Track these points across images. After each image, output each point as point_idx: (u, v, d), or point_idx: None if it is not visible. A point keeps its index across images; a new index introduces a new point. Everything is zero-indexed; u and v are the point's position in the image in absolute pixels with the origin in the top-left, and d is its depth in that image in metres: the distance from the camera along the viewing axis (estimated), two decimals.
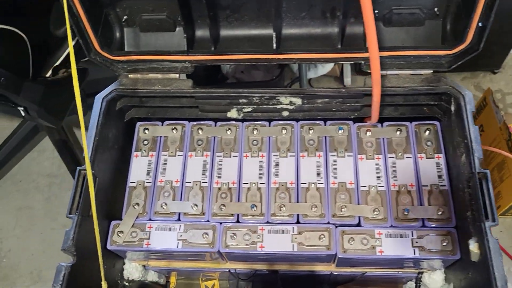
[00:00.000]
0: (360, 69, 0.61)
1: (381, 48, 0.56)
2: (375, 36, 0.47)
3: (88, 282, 0.60)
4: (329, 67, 1.30)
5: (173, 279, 0.83)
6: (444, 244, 0.60)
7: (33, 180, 1.45)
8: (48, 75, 1.06)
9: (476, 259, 0.54)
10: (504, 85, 1.36)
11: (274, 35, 0.61)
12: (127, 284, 0.71)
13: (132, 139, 0.71)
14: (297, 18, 0.64)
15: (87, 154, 0.59)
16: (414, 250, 0.61)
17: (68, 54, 1.08)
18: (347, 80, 1.45)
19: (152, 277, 0.76)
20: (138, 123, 0.72)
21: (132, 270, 0.71)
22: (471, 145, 0.57)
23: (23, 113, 1.06)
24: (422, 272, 0.68)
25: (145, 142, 0.71)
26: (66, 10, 0.56)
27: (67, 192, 1.42)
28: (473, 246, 0.54)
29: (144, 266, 0.74)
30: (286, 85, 1.43)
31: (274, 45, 0.62)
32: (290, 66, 1.24)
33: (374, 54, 0.48)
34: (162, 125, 0.72)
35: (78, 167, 0.61)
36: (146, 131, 0.71)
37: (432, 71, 0.62)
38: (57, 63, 1.08)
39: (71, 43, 0.57)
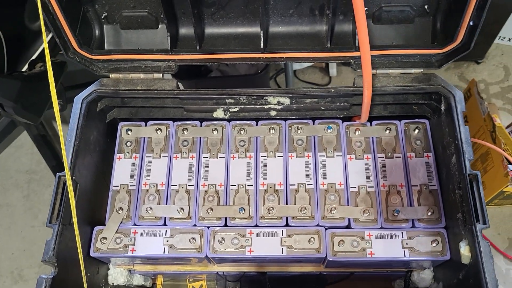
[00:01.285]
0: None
1: (371, 47, 0.55)
2: (367, 37, 0.45)
3: None
4: None
5: (159, 281, 0.82)
6: (434, 245, 0.60)
7: (11, 176, 1.41)
8: (24, 69, 1.02)
9: (467, 261, 0.53)
10: (487, 75, 1.36)
11: (261, 34, 0.59)
12: None
13: (114, 141, 0.69)
14: (284, 16, 0.62)
15: (66, 160, 0.57)
16: (404, 251, 0.60)
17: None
18: (333, 71, 1.44)
19: (137, 280, 0.74)
20: (120, 124, 0.70)
21: (117, 275, 0.69)
22: (462, 146, 0.56)
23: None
24: (411, 271, 0.68)
25: (128, 144, 0.69)
26: (40, 7, 0.53)
27: (47, 189, 1.38)
28: (464, 249, 0.53)
29: (129, 270, 0.72)
30: (272, 76, 1.42)
31: (262, 44, 0.60)
32: None
33: (365, 55, 0.47)
34: (146, 125, 0.70)
35: (58, 173, 0.58)
36: (129, 132, 0.69)
37: (422, 70, 0.61)
38: (34, 57, 1.04)
39: (45, 40, 0.54)
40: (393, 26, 0.61)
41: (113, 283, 0.70)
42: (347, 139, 0.67)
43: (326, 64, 1.41)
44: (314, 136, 0.68)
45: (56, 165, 1.32)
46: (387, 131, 0.67)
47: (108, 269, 0.70)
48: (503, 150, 0.94)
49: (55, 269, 0.54)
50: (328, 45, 0.60)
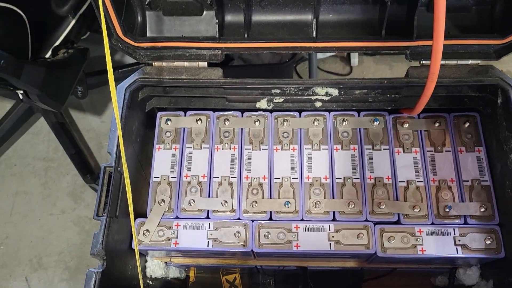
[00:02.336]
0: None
1: (427, 36, 0.52)
2: (443, 26, 0.43)
3: (116, 283, 0.57)
4: None
5: (192, 273, 0.80)
6: (488, 242, 0.58)
7: (28, 164, 1.39)
8: (47, 56, 1.00)
9: None
10: None
11: (314, 22, 0.57)
12: (150, 283, 0.68)
13: (153, 131, 0.67)
14: (336, 3, 0.59)
15: (123, 151, 0.55)
16: (457, 248, 0.59)
17: (68, 33, 1.01)
18: (354, 60, 1.41)
19: (173, 273, 0.73)
20: (159, 114, 0.68)
21: (154, 268, 0.68)
22: None
23: (21, 97, 1.00)
24: (456, 268, 0.66)
25: (168, 134, 0.67)
26: None
27: (65, 177, 1.36)
28: None
29: (166, 262, 0.71)
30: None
31: (314, 33, 0.57)
32: None
33: (438, 45, 0.44)
34: (185, 115, 0.68)
35: (103, 164, 0.56)
36: (169, 122, 0.67)
37: (479, 61, 0.58)
38: (57, 43, 1.01)
39: (104, 25, 0.51)
40: (449, 14, 0.59)
41: (151, 276, 0.68)
42: (394, 132, 0.65)
43: (348, 54, 1.39)
44: (359, 129, 0.66)
45: (75, 153, 1.30)
46: (436, 124, 0.65)
47: (146, 261, 0.68)
48: None
49: (104, 262, 0.53)
50: (383, 33, 0.58)
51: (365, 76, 1.35)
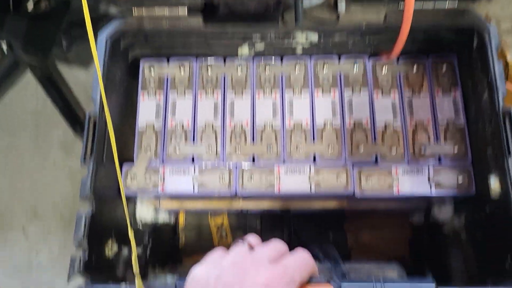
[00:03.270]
0: None
1: None
2: None
3: (106, 227, 0.60)
4: None
5: (181, 218, 0.84)
6: (460, 180, 0.61)
7: (17, 118, 1.40)
8: (29, 8, 0.98)
9: (496, 196, 0.55)
10: (499, 9, 1.33)
11: None
12: (140, 228, 0.71)
13: (137, 80, 0.68)
14: None
15: (104, 97, 0.56)
16: (430, 186, 0.62)
17: None
18: (342, 6, 1.40)
19: (162, 218, 0.76)
20: (143, 61, 0.68)
21: (144, 213, 0.71)
22: (496, 82, 0.56)
23: (6, 51, 0.99)
24: (431, 205, 0.70)
25: (152, 82, 0.67)
26: None
27: (55, 130, 1.37)
28: (494, 183, 0.55)
29: (155, 208, 0.73)
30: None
31: None
32: None
33: None
34: (168, 62, 0.68)
35: (88, 111, 0.58)
36: (152, 70, 0.68)
37: (456, 3, 0.59)
38: None
39: None
40: None
41: (141, 221, 0.71)
42: (374, 76, 0.66)
43: (334, 1, 1.37)
44: (340, 73, 0.67)
45: (63, 106, 1.30)
46: (415, 68, 0.66)
47: (136, 206, 0.71)
48: None
49: (93, 206, 0.55)
50: None
51: None
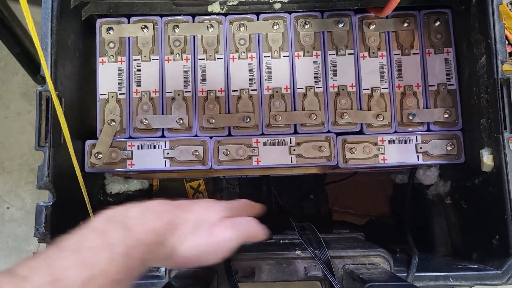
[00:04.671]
0: None
1: None
2: None
3: (72, 211, 0.55)
4: None
5: (155, 182, 0.80)
6: (449, 148, 0.58)
7: None
8: None
9: (488, 170, 0.52)
10: None
11: None
12: (111, 199, 0.66)
13: (94, 42, 0.60)
14: None
15: (47, 72, 0.49)
16: (418, 156, 0.58)
17: None
18: None
19: (134, 186, 0.71)
20: (99, 21, 0.60)
21: (113, 184, 0.66)
22: (495, 46, 0.50)
23: None
24: (416, 168, 0.67)
25: (111, 45, 0.60)
26: None
27: (14, 77, 1.28)
28: (487, 158, 0.51)
29: (126, 177, 0.69)
30: None
31: None
32: None
33: None
34: (129, 22, 0.60)
35: (38, 89, 0.50)
36: (110, 31, 0.59)
37: None
38: None
39: None
40: None
41: (110, 192, 0.67)
42: (360, 34, 0.60)
43: None
44: (323, 32, 0.60)
45: (20, 52, 1.19)
46: (405, 24, 0.59)
47: (104, 178, 0.66)
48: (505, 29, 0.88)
49: (54, 195, 0.50)
50: None
51: None
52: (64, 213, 0.52)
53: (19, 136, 1.26)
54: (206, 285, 0.43)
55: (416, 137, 0.58)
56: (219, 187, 0.80)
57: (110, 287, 0.31)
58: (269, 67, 0.60)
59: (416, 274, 0.47)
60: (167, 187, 0.81)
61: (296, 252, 0.48)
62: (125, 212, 0.36)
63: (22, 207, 1.25)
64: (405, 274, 0.47)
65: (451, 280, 0.46)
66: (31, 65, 1.20)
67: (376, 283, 0.36)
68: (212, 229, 0.39)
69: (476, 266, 0.50)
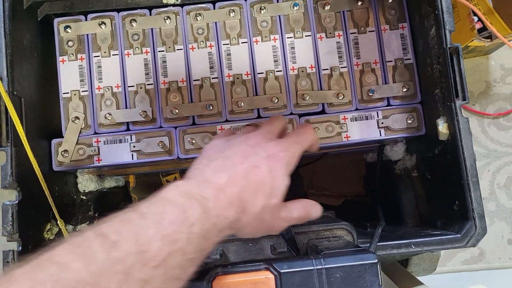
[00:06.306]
0: None
1: None
2: None
3: (41, 210, 0.56)
4: None
5: (132, 179, 0.80)
6: (410, 121, 0.59)
7: None
8: None
9: (444, 138, 0.53)
10: None
11: None
12: (84, 198, 0.67)
13: (52, 41, 0.60)
14: None
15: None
16: (380, 131, 0.59)
17: None
18: None
19: (109, 183, 0.72)
20: (56, 20, 0.60)
21: (86, 182, 0.67)
22: (443, 17, 0.51)
23: None
24: (384, 145, 0.68)
25: (70, 43, 0.60)
26: None
27: None
28: (442, 127, 0.52)
29: (99, 175, 0.69)
30: None
31: None
32: None
33: None
34: (86, 19, 0.60)
35: None
36: (68, 30, 0.60)
37: None
38: None
39: None
40: None
41: (84, 191, 0.67)
42: (316, 15, 0.61)
43: None
44: (279, 16, 0.61)
45: None
46: (359, 3, 0.60)
47: (76, 177, 0.67)
48: (469, 2, 0.89)
49: (19, 193, 0.51)
50: None
51: None
52: (32, 212, 0.53)
53: None
54: None
55: (377, 112, 0.59)
56: None
57: (185, 264, 0.33)
58: (229, 54, 0.60)
59: (379, 243, 0.48)
60: (144, 183, 0.81)
61: None
62: (200, 192, 0.36)
63: None
64: (368, 245, 0.48)
65: (413, 247, 0.47)
66: None
67: (330, 251, 0.37)
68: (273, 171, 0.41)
69: (438, 232, 0.51)
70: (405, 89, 0.59)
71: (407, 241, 0.48)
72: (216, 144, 0.44)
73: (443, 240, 0.48)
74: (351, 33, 0.61)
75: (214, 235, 0.36)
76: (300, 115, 0.59)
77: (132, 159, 0.59)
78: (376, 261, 0.35)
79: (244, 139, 0.43)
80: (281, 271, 0.34)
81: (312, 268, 0.34)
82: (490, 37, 0.91)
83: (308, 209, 0.44)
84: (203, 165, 0.40)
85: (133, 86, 0.60)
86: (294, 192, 0.81)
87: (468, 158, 0.50)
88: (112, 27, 0.60)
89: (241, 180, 0.39)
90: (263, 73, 0.60)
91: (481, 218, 0.48)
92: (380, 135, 0.59)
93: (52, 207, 0.51)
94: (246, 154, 0.40)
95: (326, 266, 0.34)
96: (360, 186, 0.81)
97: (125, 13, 0.60)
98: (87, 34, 0.60)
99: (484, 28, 0.90)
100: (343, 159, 0.81)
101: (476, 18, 0.92)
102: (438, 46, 0.53)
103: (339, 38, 0.61)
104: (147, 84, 0.60)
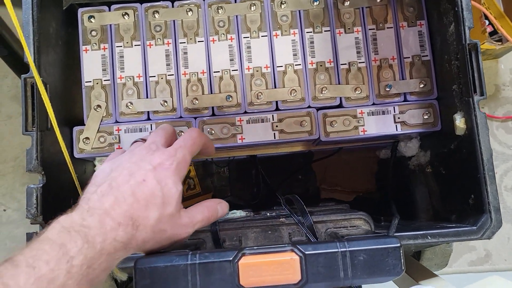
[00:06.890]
0: None
1: None
2: None
3: (62, 195, 0.57)
4: None
5: None
6: (426, 117, 0.60)
7: None
8: None
9: (461, 133, 0.53)
10: None
11: None
12: None
13: (76, 31, 0.61)
14: None
15: (30, 58, 0.50)
16: (396, 126, 0.60)
17: None
18: None
19: None
20: (80, 10, 0.61)
21: None
22: (462, 14, 0.52)
23: None
24: (398, 141, 0.69)
25: (93, 33, 0.61)
26: None
27: (4, 80, 1.28)
28: (460, 121, 0.53)
29: None
30: None
31: None
32: None
33: None
34: (110, 10, 0.62)
35: (23, 76, 0.52)
36: (92, 20, 0.61)
37: None
38: None
39: None
40: None
41: None
42: (335, 11, 0.62)
43: None
44: (299, 11, 0.62)
45: (8, 55, 1.20)
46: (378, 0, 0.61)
47: (95, 166, 0.68)
48: (482, 5, 0.90)
49: (43, 177, 0.52)
50: None
51: None
52: (54, 196, 0.54)
53: (11, 138, 1.27)
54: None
55: (394, 107, 0.60)
56: (209, 172, 0.82)
57: None
58: (249, 47, 0.61)
59: (395, 234, 0.49)
60: None
61: (281, 219, 0.50)
62: (82, 222, 0.36)
63: (19, 209, 1.26)
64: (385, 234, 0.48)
65: (429, 238, 0.48)
66: (20, 67, 1.21)
67: (353, 236, 0.38)
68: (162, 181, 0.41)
69: (454, 225, 0.52)
70: (422, 85, 0.60)
71: (424, 232, 0.48)
72: (103, 169, 0.44)
73: (459, 232, 0.49)
74: (369, 29, 0.62)
75: (103, 261, 0.35)
76: (318, 108, 0.60)
77: None
78: (398, 245, 0.36)
79: (128, 157, 0.43)
80: (306, 252, 0.35)
81: (337, 250, 0.35)
82: (500, 40, 0.92)
83: (213, 208, 0.44)
84: (90, 193, 0.40)
85: (154, 76, 0.61)
86: (307, 187, 0.82)
87: (485, 152, 0.50)
88: (135, 18, 0.61)
89: (129, 198, 0.39)
90: (282, 66, 0.61)
91: (497, 211, 0.49)
92: (396, 130, 0.60)
93: (78, 190, 0.52)
94: (131, 171, 0.41)
95: (350, 249, 0.35)
96: (372, 182, 0.82)
97: (148, 4, 0.61)
98: (110, 25, 0.61)
99: (495, 32, 0.91)
100: (356, 155, 0.82)
101: (487, 22, 0.93)
102: (457, 42, 0.54)
103: (358, 33, 0.61)
104: (168, 75, 0.61)
